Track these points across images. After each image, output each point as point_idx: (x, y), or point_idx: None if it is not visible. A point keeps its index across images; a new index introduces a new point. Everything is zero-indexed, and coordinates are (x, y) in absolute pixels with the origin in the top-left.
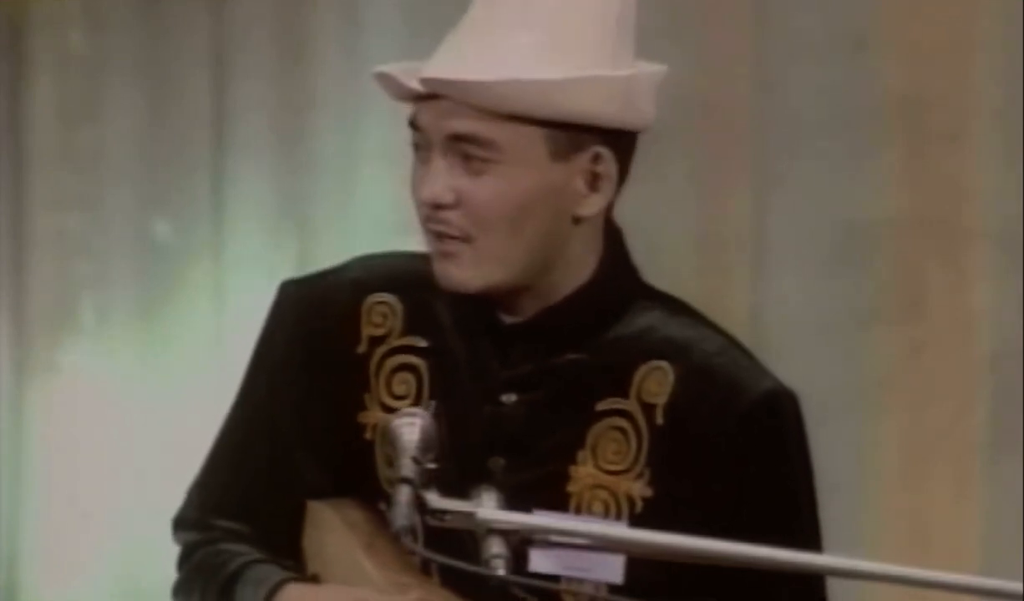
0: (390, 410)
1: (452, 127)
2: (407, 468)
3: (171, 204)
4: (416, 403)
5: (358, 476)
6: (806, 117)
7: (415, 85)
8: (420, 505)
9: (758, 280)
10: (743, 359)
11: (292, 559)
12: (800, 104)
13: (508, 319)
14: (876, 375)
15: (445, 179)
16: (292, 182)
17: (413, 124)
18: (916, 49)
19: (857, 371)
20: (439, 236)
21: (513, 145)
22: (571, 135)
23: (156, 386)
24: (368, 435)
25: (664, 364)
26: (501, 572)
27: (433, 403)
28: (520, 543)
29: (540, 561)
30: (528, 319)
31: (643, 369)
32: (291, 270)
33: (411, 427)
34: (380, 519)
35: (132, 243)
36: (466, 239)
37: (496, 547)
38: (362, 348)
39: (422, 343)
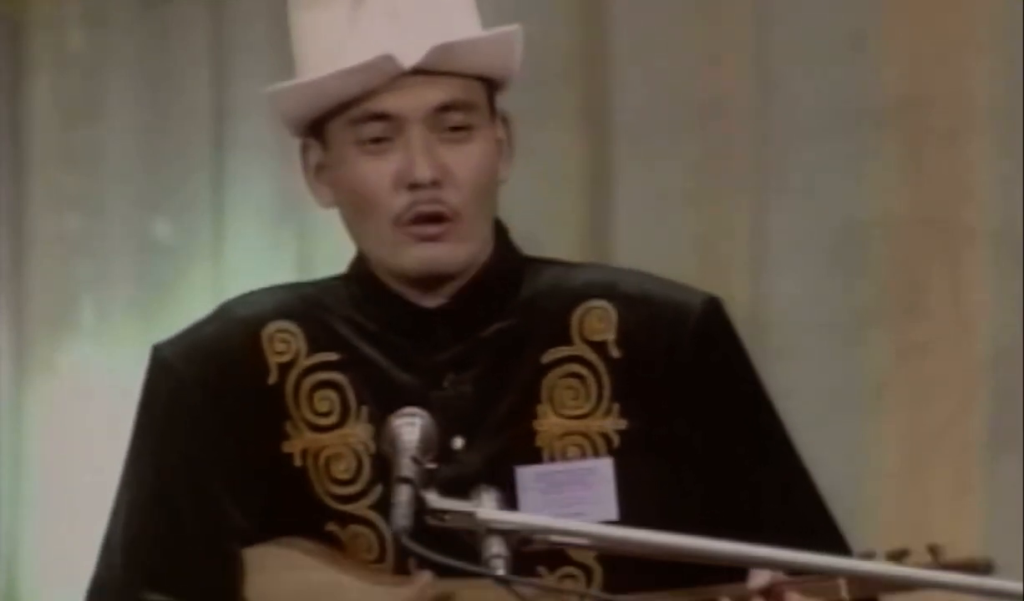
0: (317, 429)
1: (439, 97)
2: (407, 468)
3: (171, 204)
4: (343, 416)
5: (295, 505)
6: (806, 117)
7: (407, 63)
8: (420, 505)
9: (758, 280)
10: (665, 280)
11: None
12: (800, 104)
13: (427, 304)
14: (876, 375)
15: (431, 157)
16: (292, 182)
17: (373, 116)
18: (916, 49)
19: (857, 371)
20: (428, 218)
21: (482, 107)
22: (493, 96)
23: None
24: (297, 462)
25: (601, 302)
26: (501, 572)
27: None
28: (519, 542)
29: (531, 509)
30: (450, 299)
31: (578, 312)
32: (291, 270)
33: (411, 427)
34: (330, 541)
35: (132, 243)
36: (454, 217)
37: (496, 547)
38: (272, 378)
39: (334, 357)
